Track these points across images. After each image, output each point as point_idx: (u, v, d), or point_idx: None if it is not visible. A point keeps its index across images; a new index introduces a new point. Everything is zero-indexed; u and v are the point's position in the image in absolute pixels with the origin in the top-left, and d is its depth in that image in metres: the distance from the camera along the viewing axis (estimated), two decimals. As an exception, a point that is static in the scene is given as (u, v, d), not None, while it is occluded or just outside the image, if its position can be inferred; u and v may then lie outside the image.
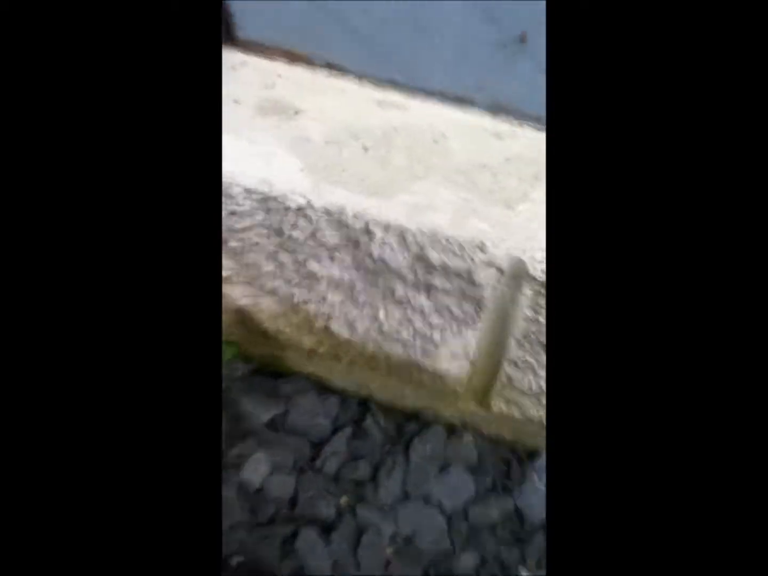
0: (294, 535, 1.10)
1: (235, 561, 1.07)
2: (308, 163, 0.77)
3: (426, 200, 0.75)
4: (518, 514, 1.16)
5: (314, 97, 0.79)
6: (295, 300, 0.97)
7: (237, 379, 1.20)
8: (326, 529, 1.12)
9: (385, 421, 1.20)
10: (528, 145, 0.73)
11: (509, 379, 1.03)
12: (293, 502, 1.14)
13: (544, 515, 1.14)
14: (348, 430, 1.19)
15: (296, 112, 0.78)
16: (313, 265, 0.86)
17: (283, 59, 0.81)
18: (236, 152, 0.78)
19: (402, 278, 0.82)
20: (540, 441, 1.17)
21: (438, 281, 0.80)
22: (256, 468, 1.14)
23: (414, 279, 0.82)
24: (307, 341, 1.08)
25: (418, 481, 1.16)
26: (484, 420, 1.15)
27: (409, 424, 1.20)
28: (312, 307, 0.97)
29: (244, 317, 1.07)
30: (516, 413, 1.10)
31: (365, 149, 0.76)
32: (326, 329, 1.02)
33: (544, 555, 1.13)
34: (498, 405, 1.09)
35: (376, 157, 0.76)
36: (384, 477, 1.15)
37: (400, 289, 0.85)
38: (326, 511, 1.13)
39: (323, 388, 1.21)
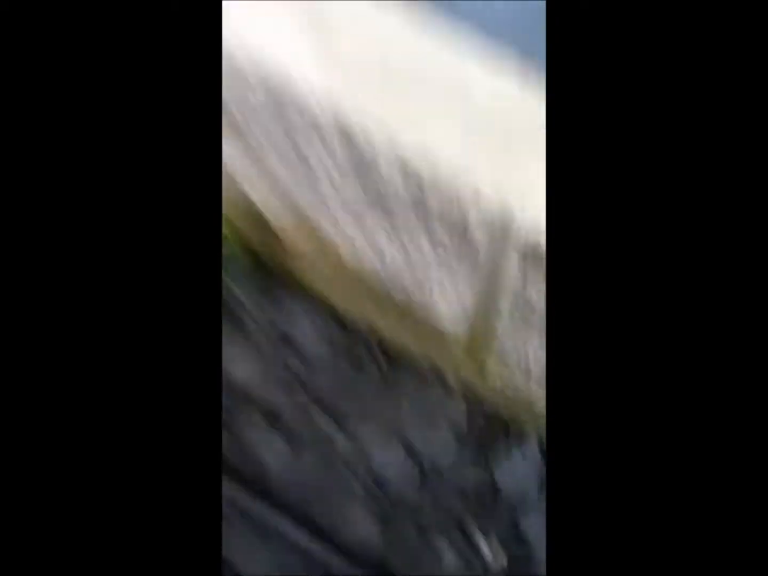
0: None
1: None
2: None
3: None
4: (493, 487, 1.12)
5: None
6: (304, 211, 0.94)
7: (243, 275, 1.19)
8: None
9: (384, 360, 1.18)
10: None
11: (502, 351, 0.97)
12: (276, 415, 1.14)
13: (518, 494, 1.10)
14: (345, 360, 1.17)
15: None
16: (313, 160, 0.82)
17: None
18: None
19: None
20: (528, 419, 1.11)
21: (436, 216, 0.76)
22: (243, 367, 1.15)
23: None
24: (310, 254, 1.05)
25: (402, 429, 1.13)
26: (479, 387, 1.10)
27: (407, 371, 1.17)
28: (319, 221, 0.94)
29: (261, 222, 1.05)
30: (509, 389, 1.05)
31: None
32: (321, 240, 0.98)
33: (509, 532, 1.09)
34: (492, 377, 1.04)
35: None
36: (369, 415, 1.14)
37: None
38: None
39: (330, 312, 1.19)
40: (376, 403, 1.15)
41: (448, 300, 0.92)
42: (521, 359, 0.95)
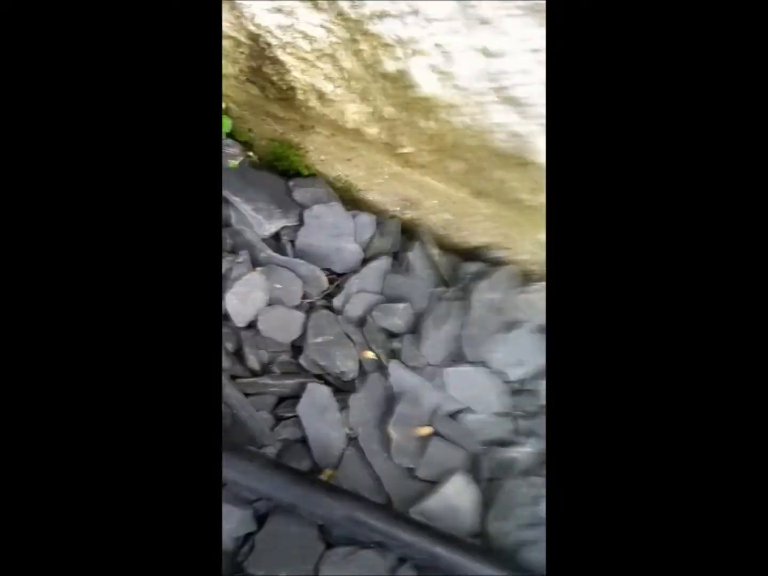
0: (296, 393, 0.78)
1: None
2: None
3: None
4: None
5: None
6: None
7: (234, 168, 0.84)
8: (341, 389, 0.80)
9: (439, 254, 0.87)
10: None
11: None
12: (298, 348, 0.81)
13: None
14: (384, 261, 0.86)
15: None
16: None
17: None
18: None
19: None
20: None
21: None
22: (249, 294, 0.80)
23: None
24: (354, 111, 0.73)
25: (477, 340, 0.84)
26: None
27: (470, 264, 0.87)
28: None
29: (255, 59, 0.70)
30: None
31: None
32: (399, 77, 0.66)
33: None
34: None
35: None
36: (430, 329, 0.83)
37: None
38: (344, 365, 0.81)
39: (354, 200, 0.87)
40: (438, 309, 0.84)
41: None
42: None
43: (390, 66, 0.63)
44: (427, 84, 0.64)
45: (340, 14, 0.60)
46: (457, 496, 0.78)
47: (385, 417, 0.79)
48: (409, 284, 0.85)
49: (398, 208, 0.86)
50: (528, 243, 0.84)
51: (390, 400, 0.80)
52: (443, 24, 0.57)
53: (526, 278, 0.87)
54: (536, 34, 0.57)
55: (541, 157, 0.68)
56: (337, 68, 0.66)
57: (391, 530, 0.73)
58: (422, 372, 0.82)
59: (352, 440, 0.78)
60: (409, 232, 0.87)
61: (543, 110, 0.61)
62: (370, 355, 0.82)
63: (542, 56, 0.58)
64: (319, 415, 0.78)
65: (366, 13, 0.58)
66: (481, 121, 0.67)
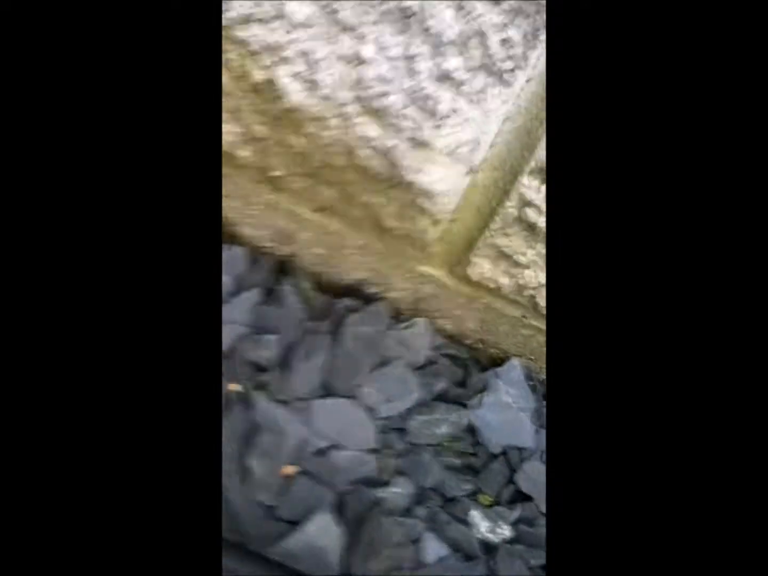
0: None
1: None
2: None
3: None
4: (472, 434, 0.85)
5: None
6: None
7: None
8: (205, 421, 0.76)
9: (311, 289, 0.87)
10: None
11: (504, 231, 0.74)
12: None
13: (504, 440, 0.85)
14: (255, 293, 0.84)
15: None
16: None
17: None
18: None
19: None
20: (513, 341, 0.88)
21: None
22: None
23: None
24: (226, 132, 0.73)
25: (347, 374, 0.83)
26: (447, 299, 0.84)
27: (343, 299, 0.87)
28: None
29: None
30: (497, 286, 0.81)
31: None
32: (270, 90, 0.67)
33: (502, 491, 0.83)
34: (477, 270, 0.79)
35: None
36: (300, 361, 0.81)
37: None
38: (209, 396, 0.77)
39: (228, 234, 0.86)
40: (306, 342, 0.83)
41: (463, 129, 0.66)
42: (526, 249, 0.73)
43: (258, 76, 0.64)
44: (294, 94, 0.65)
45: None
46: (320, 536, 0.74)
47: (248, 450, 0.75)
48: (280, 317, 0.84)
49: (272, 243, 0.86)
50: (399, 277, 0.85)
51: (254, 434, 0.77)
52: (307, 30, 0.60)
53: (398, 314, 0.88)
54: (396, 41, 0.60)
55: (409, 177, 0.70)
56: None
57: (248, 570, 0.68)
58: (290, 406, 0.80)
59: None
60: (282, 268, 0.87)
61: (409, 123, 0.65)
62: (235, 387, 0.79)
63: (402, 64, 0.61)
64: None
65: (233, 16, 0.60)
66: (346, 137, 0.68)
